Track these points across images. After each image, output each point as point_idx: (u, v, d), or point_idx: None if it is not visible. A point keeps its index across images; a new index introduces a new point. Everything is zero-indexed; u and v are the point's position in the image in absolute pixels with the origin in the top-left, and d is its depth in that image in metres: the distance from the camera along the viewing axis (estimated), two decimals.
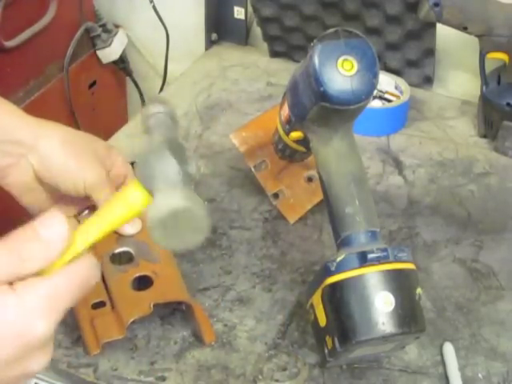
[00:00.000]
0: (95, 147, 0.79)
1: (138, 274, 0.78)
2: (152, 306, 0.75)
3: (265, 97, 1.24)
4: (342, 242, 0.71)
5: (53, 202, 0.81)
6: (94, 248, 0.81)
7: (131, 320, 0.74)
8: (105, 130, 1.03)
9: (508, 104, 1.10)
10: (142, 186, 0.58)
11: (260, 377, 0.76)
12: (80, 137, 0.80)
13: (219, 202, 1.00)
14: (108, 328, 0.75)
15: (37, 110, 0.81)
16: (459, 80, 1.26)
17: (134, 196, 0.58)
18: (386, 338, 0.68)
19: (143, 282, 0.79)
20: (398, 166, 1.09)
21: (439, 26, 1.16)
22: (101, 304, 0.78)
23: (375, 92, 1.11)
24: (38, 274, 0.52)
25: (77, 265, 0.54)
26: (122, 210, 0.58)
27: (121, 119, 1.48)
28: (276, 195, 0.96)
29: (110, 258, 0.80)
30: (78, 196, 0.78)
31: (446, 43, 1.23)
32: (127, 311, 0.75)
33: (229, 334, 0.81)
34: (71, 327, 0.78)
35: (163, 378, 0.75)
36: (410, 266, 0.70)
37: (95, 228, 0.57)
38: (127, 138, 1.12)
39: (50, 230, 0.52)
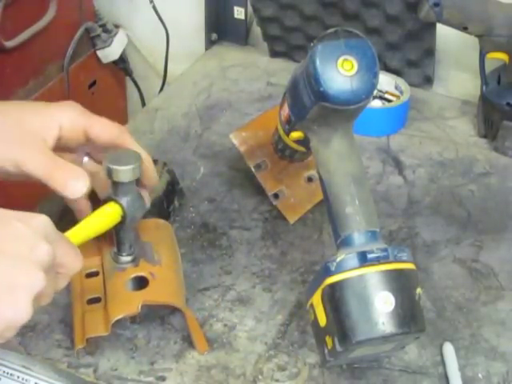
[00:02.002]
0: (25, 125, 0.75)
1: (134, 274, 0.78)
2: (140, 306, 0.74)
3: (265, 97, 1.24)
4: (342, 242, 0.71)
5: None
6: (98, 244, 0.82)
7: (116, 318, 0.74)
8: None
9: (508, 104, 1.10)
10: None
11: (260, 377, 0.76)
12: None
13: (219, 201, 1.00)
14: (94, 324, 0.75)
15: None
16: (459, 80, 1.26)
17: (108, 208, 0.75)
18: (385, 338, 0.68)
19: (141, 283, 0.78)
20: (398, 165, 1.09)
21: (439, 26, 1.16)
22: (96, 300, 0.78)
23: (375, 92, 1.12)
24: None
25: None
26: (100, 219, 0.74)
27: (121, 119, 1.48)
28: (276, 195, 0.96)
29: (112, 255, 0.80)
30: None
31: (446, 43, 1.23)
32: (115, 309, 0.75)
33: (229, 334, 0.81)
34: (71, 327, 0.78)
35: (163, 378, 0.75)
36: (410, 266, 0.70)
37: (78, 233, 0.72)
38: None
39: None
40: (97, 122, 0.78)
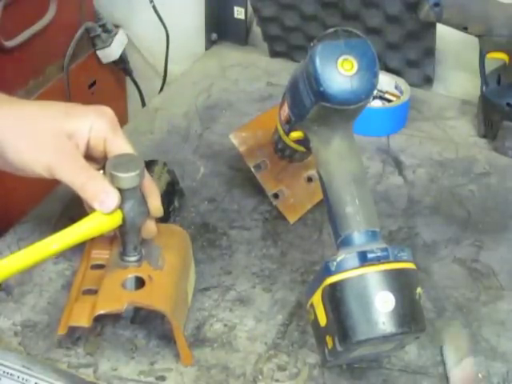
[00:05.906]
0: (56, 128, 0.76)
1: (133, 274, 0.78)
2: (125, 305, 0.74)
3: (265, 97, 1.24)
4: (342, 242, 0.71)
5: None
6: (111, 238, 0.81)
7: (100, 312, 0.73)
8: None
9: (508, 104, 1.10)
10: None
11: (260, 377, 0.76)
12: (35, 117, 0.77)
13: (219, 202, 1.00)
14: (80, 314, 0.74)
15: None
16: (459, 80, 1.26)
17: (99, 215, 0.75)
18: (386, 338, 0.68)
19: (142, 285, 0.78)
20: (398, 166, 1.09)
21: (439, 26, 1.16)
22: (92, 292, 0.77)
23: (375, 92, 1.12)
24: None
25: None
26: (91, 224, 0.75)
27: (121, 119, 1.47)
28: (276, 195, 0.96)
29: (118, 252, 0.80)
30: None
31: (446, 43, 1.23)
32: (101, 303, 0.74)
33: (229, 334, 0.81)
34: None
35: (163, 378, 0.75)
36: (410, 265, 0.70)
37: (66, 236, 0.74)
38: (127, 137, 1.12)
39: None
40: (118, 139, 0.78)
